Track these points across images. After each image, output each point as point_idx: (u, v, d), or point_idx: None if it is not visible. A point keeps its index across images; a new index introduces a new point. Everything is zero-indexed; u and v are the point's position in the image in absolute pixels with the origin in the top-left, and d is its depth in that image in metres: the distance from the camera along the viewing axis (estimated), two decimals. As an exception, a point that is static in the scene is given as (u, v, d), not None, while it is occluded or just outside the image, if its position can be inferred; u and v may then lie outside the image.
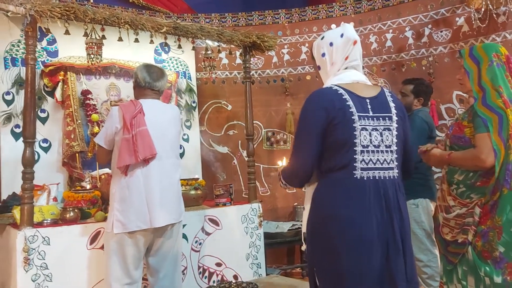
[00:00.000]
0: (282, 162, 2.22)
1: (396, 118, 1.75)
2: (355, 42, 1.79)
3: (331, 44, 1.82)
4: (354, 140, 1.66)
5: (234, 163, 4.60)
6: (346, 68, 1.79)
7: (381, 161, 1.69)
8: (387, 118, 1.73)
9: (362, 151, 1.67)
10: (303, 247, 1.85)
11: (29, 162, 2.66)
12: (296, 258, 4.49)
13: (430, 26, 4.11)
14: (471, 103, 2.13)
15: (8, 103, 3.39)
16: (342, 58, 1.80)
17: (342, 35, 1.81)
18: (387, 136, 1.72)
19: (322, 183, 1.73)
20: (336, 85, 1.75)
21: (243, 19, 4.74)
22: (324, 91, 1.75)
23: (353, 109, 1.68)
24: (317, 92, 1.76)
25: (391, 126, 1.73)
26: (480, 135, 1.98)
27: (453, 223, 2.07)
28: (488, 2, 3.64)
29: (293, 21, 4.73)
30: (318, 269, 1.72)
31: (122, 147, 2.50)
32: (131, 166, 2.51)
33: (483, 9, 3.67)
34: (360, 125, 1.67)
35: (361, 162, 1.66)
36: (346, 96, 1.70)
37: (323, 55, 1.85)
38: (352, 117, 1.67)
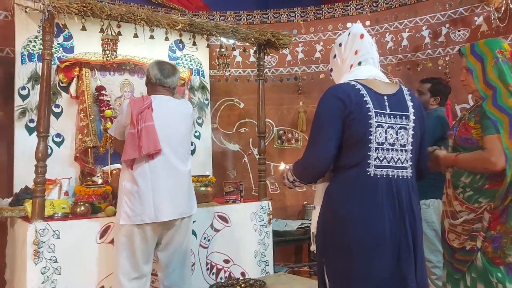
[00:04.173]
0: (281, 165, 2.18)
1: (414, 118, 1.72)
2: (361, 36, 1.79)
3: (340, 44, 1.85)
4: (369, 137, 1.64)
5: (244, 160, 4.61)
6: (360, 64, 1.77)
7: (395, 160, 1.67)
8: (404, 117, 1.71)
9: (376, 148, 1.64)
10: (312, 247, 1.83)
11: (42, 156, 2.70)
12: (304, 256, 4.49)
13: (447, 25, 4.04)
14: (477, 103, 2.03)
15: (24, 98, 3.44)
16: (352, 53, 1.79)
17: (349, 34, 1.83)
18: (403, 135, 1.69)
19: (334, 182, 1.71)
20: (353, 80, 1.72)
21: (258, 17, 4.73)
22: (341, 85, 1.72)
23: (370, 105, 1.65)
24: (333, 86, 1.74)
25: (408, 125, 1.71)
26: (490, 137, 1.89)
27: (460, 229, 1.98)
28: (509, 1, 3.57)
29: (308, 20, 4.70)
30: (328, 268, 1.70)
31: (127, 141, 2.56)
32: (138, 160, 2.54)
33: (503, 8, 3.60)
34: (376, 122, 1.65)
35: (375, 159, 1.64)
36: (364, 92, 1.67)
37: (334, 56, 1.88)
38: (369, 113, 1.64)
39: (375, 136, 1.64)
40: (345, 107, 1.63)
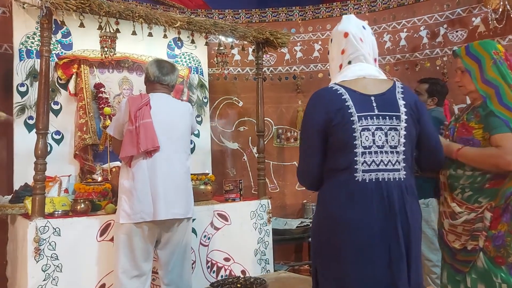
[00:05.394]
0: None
1: (405, 117, 1.65)
2: (345, 35, 1.73)
3: (331, 40, 1.82)
4: (354, 142, 1.60)
5: (244, 159, 4.61)
6: (349, 63, 1.73)
7: (385, 162, 1.62)
8: (394, 118, 1.64)
9: (363, 153, 1.61)
10: None
11: (41, 153, 2.68)
12: (304, 255, 4.50)
13: (445, 25, 4.08)
14: (474, 104, 1.99)
15: (22, 94, 3.42)
16: (338, 53, 1.75)
17: (338, 29, 1.78)
18: (393, 136, 1.63)
19: (326, 185, 1.70)
20: (337, 84, 1.70)
21: (257, 15, 4.74)
22: (323, 92, 1.71)
23: (353, 110, 1.62)
24: (316, 93, 1.72)
25: (399, 126, 1.64)
26: (503, 135, 1.82)
27: (461, 229, 1.93)
28: (506, 3, 3.60)
29: (306, 19, 4.71)
30: (320, 271, 1.69)
31: (125, 138, 2.56)
32: (136, 158, 2.54)
33: (500, 10, 3.63)
34: (360, 126, 1.61)
35: (362, 164, 1.60)
36: (346, 96, 1.64)
37: (328, 52, 1.85)
38: (351, 118, 1.61)
39: (361, 140, 1.60)
40: (325, 115, 1.63)
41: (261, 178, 3.68)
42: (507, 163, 1.80)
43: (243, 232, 3.41)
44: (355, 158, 1.60)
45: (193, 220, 2.94)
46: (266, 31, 3.54)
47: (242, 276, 3.24)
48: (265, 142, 3.74)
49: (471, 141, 1.93)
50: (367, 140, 1.61)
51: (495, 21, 3.69)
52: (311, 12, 4.71)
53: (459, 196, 1.95)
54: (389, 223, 1.58)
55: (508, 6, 3.60)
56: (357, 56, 1.72)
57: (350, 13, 4.53)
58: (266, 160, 3.86)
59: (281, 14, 4.74)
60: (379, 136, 1.62)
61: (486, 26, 3.82)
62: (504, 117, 1.84)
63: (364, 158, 1.60)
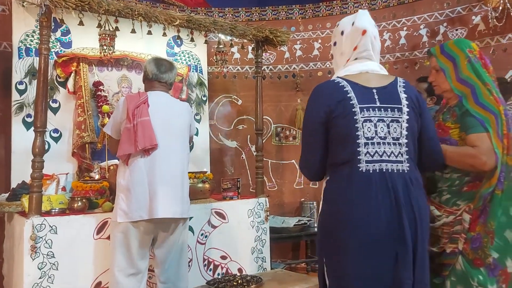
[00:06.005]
0: None
1: (407, 110, 1.66)
2: (363, 32, 1.72)
3: (342, 33, 1.79)
4: (357, 133, 1.62)
5: (242, 157, 4.62)
6: (356, 59, 1.74)
7: (388, 154, 1.62)
8: (396, 110, 1.66)
9: (366, 143, 1.61)
10: None
11: (39, 151, 2.68)
12: (301, 253, 4.51)
13: (445, 24, 4.06)
14: (450, 103, 1.96)
15: (21, 92, 3.43)
16: (351, 48, 1.75)
17: (353, 24, 1.75)
18: (395, 128, 1.64)
19: (329, 179, 1.70)
20: (340, 77, 1.71)
21: (257, 14, 4.74)
22: (325, 85, 1.73)
23: (354, 101, 1.63)
24: (318, 86, 1.74)
25: (400, 118, 1.65)
26: (478, 135, 1.81)
27: (440, 232, 1.90)
28: (506, 1, 3.58)
29: (306, 17, 4.71)
30: (327, 266, 1.69)
31: (123, 136, 2.55)
32: (134, 156, 2.53)
33: (500, 8, 3.61)
34: (362, 117, 1.62)
35: (365, 154, 1.60)
36: (348, 88, 1.65)
37: (335, 44, 1.83)
38: (353, 109, 1.62)
39: (363, 131, 1.61)
40: (326, 108, 1.64)
41: (259, 176, 3.67)
42: (483, 163, 1.78)
43: (240, 230, 3.41)
44: (358, 149, 1.61)
45: (190, 218, 2.94)
46: (265, 30, 3.54)
47: (238, 274, 3.25)
48: (263, 141, 3.74)
49: (448, 141, 1.90)
50: (369, 131, 1.62)
51: (495, 20, 3.68)
52: (311, 11, 4.70)
53: (437, 199, 1.93)
54: (395, 215, 1.57)
55: (508, 4, 3.58)
56: (366, 55, 1.74)
57: (350, 12, 4.56)
58: (264, 159, 3.86)
59: (281, 12, 4.73)
60: (381, 127, 1.63)
61: (486, 25, 3.80)
62: (480, 116, 1.82)
63: (367, 148, 1.61)
